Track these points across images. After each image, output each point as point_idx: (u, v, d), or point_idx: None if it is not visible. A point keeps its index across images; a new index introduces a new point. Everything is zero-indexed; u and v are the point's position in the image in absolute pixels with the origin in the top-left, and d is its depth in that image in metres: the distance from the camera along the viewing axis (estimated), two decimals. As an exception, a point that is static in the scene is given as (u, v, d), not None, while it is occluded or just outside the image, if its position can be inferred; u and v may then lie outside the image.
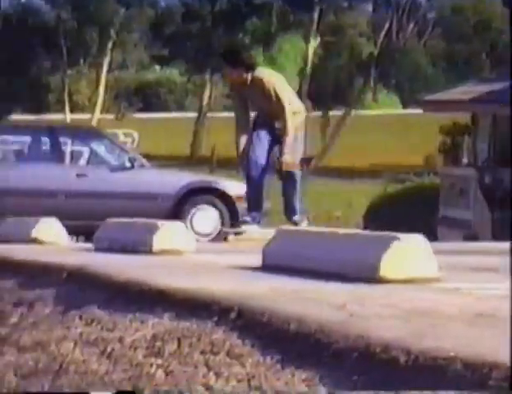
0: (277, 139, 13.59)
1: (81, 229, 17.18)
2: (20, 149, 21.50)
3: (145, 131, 47.72)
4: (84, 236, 14.74)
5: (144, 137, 43.30)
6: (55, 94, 75.77)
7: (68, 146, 21.77)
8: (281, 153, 13.53)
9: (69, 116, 67.14)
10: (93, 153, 21.70)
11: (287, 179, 13.60)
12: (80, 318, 6.51)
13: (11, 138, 21.88)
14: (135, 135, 39.30)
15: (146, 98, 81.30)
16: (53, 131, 21.58)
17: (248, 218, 13.81)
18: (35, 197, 19.61)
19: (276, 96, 13.42)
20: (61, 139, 21.44)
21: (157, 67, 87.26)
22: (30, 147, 21.55)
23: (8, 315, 7.34)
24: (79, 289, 7.35)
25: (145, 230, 10.21)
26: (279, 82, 13.90)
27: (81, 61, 77.75)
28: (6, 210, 18.06)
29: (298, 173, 13.62)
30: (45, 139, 21.62)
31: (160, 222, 10.40)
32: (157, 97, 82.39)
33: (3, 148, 21.20)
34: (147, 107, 78.12)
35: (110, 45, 73.92)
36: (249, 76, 13.66)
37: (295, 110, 13.55)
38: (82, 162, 21.60)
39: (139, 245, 9.97)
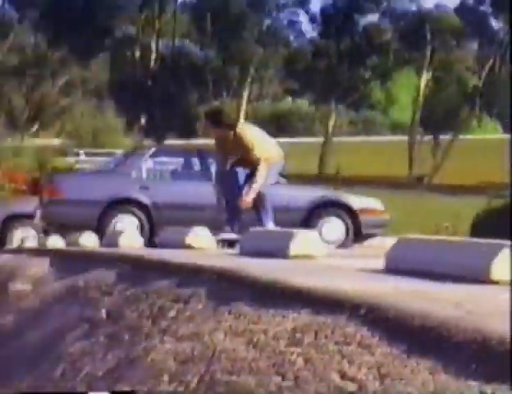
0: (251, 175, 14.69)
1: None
2: (174, 169, 21.71)
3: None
4: (228, 244, 14.85)
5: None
6: (200, 122, 76.53)
7: (214, 166, 21.94)
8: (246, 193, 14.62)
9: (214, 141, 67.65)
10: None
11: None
12: (229, 312, 6.51)
13: (167, 159, 22.12)
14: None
15: (279, 125, 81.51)
16: (202, 154, 21.77)
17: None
18: (187, 210, 19.78)
19: (253, 148, 14.32)
20: (209, 161, 21.61)
21: (289, 99, 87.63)
22: (183, 167, 21.76)
23: (167, 310, 7.39)
24: (227, 288, 7.36)
25: (283, 237, 10.20)
26: (257, 135, 15.16)
27: (224, 93, 78.35)
28: (163, 221, 18.27)
29: (265, 195, 14.79)
30: (195, 161, 21.82)
31: (295, 231, 10.40)
32: (288, 124, 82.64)
33: (161, 168, 21.43)
34: (280, 133, 78.32)
35: (249, 80, 74.68)
36: (231, 133, 14.82)
37: (267, 156, 14.50)
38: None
39: (277, 251, 9.97)
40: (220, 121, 14.73)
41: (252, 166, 14.65)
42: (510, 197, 20.94)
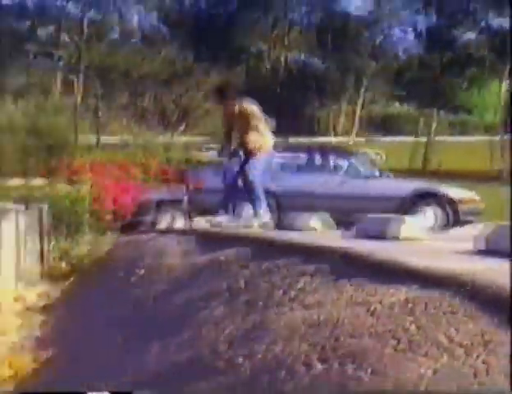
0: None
1: (342, 222, 17.20)
2: (300, 163, 21.71)
3: (389, 151, 47.58)
4: (344, 227, 14.67)
5: (389, 155, 43.22)
6: (323, 124, 76.50)
7: (333, 161, 21.86)
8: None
9: (333, 139, 67.57)
10: (351, 166, 21.70)
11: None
12: (350, 285, 6.47)
13: (293, 154, 22.13)
14: (382, 153, 39.30)
15: (389, 126, 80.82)
16: (323, 150, 21.72)
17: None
18: (310, 198, 19.75)
19: (252, 122, 13.37)
20: (329, 156, 21.53)
21: (397, 104, 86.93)
22: (307, 161, 21.73)
23: (296, 282, 7.37)
24: (346, 264, 7.31)
25: (394, 222, 10.11)
26: (257, 113, 13.90)
27: (341, 100, 78.08)
28: (290, 206, 18.26)
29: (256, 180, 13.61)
30: (317, 156, 21.77)
31: (405, 216, 10.33)
32: (396, 126, 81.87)
33: (288, 161, 21.45)
34: (389, 133, 77.64)
35: (363, 88, 74.51)
36: (237, 107, 13.56)
37: (262, 145, 13.56)
38: (342, 172, 21.65)
39: (389, 234, 9.89)
40: (225, 96, 13.61)
41: (249, 152, 13.59)
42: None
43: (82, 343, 10.70)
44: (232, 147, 13.68)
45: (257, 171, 13.49)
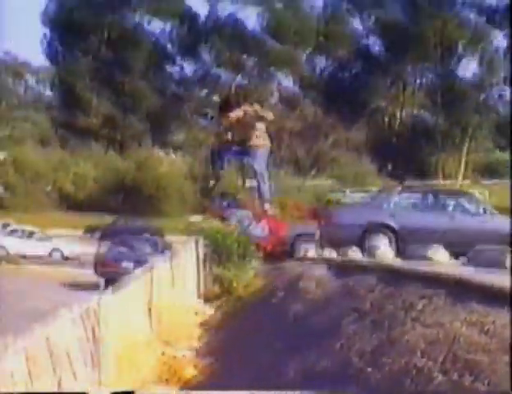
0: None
1: (454, 253, 16.79)
2: (414, 202, 21.38)
3: (491, 192, 46.41)
4: (456, 257, 14.20)
5: (491, 195, 42.17)
6: (433, 168, 75.08)
7: (443, 200, 21.49)
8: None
9: (442, 182, 66.42)
10: (459, 204, 21.27)
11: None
12: (464, 308, 6.30)
13: (409, 195, 21.82)
14: (486, 193, 38.39)
15: (491, 171, 78.94)
16: (435, 191, 21.36)
17: None
18: (425, 232, 19.37)
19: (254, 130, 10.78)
20: (440, 196, 21.15)
21: (498, 151, 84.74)
22: (421, 201, 21.41)
23: (416, 304, 7.22)
24: (460, 290, 7.13)
25: (501, 253, 9.84)
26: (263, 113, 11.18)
27: (449, 148, 76.65)
28: (407, 240, 17.92)
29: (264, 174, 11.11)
30: (430, 196, 21.43)
31: (510, 248, 10.02)
32: (498, 171, 79.89)
33: (404, 201, 21.15)
34: (491, 177, 75.85)
35: (468, 139, 73.20)
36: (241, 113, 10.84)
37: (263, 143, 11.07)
38: (451, 209, 21.21)
39: (496, 264, 9.61)
40: (230, 104, 10.90)
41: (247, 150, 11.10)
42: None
43: (237, 352, 10.77)
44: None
45: (262, 163, 11.25)
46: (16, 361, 7.00)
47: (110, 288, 10.76)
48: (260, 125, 10.61)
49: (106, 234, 36.99)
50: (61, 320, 8.61)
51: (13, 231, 34.85)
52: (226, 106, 10.70)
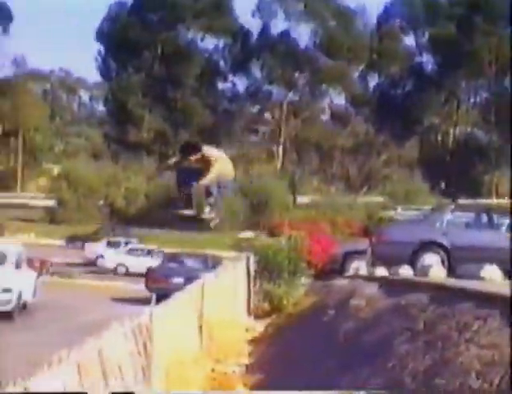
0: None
1: (507, 271, 16.53)
2: (468, 221, 21.14)
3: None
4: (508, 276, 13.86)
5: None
6: (486, 187, 74.21)
7: (497, 219, 21.20)
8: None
9: (495, 200, 65.54)
10: (512, 223, 20.96)
11: None
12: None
13: (461, 214, 21.58)
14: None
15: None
16: (488, 210, 21.07)
17: None
18: (478, 251, 19.13)
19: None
20: (493, 215, 20.87)
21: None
22: (474, 220, 21.15)
23: (470, 325, 7.12)
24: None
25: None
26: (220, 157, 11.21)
27: (502, 166, 75.70)
28: (460, 258, 17.70)
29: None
30: (483, 215, 21.17)
31: None
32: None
33: (457, 220, 20.93)
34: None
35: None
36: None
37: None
38: (504, 229, 20.90)
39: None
40: (192, 149, 11.33)
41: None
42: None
43: (287, 369, 10.73)
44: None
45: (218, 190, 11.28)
46: (69, 373, 7.06)
47: (161, 303, 10.82)
48: (221, 160, 10.63)
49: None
50: (113, 334, 8.67)
51: (132, 250, 35.62)
52: (185, 150, 10.98)
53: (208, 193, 10.57)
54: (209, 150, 10.64)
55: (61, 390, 6.72)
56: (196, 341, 13.15)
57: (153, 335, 9.97)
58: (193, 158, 10.53)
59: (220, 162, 10.67)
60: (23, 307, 17.93)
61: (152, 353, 9.89)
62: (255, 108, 74.79)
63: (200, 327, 13.49)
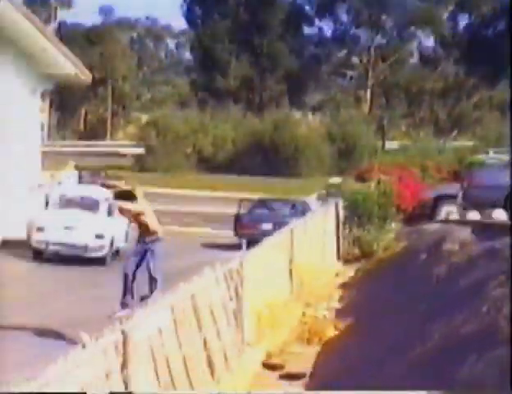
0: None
1: None
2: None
3: None
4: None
5: None
6: None
7: None
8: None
9: None
10: None
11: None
12: None
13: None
14: None
15: None
16: None
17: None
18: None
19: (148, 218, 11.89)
20: None
21: None
22: None
23: None
24: None
25: None
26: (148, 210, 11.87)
27: None
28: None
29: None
30: None
31: None
32: None
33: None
34: None
35: None
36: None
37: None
38: None
39: None
40: (126, 198, 11.87)
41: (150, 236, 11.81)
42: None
43: (378, 314, 10.73)
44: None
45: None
46: (163, 318, 7.21)
47: (251, 249, 10.91)
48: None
49: None
50: (205, 279, 8.80)
51: None
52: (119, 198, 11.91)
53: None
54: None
55: (157, 333, 6.87)
56: (286, 285, 13.24)
57: (244, 280, 10.08)
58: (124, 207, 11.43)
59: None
60: (116, 253, 18.32)
61: (243, 297, 10.02)
62: (342, 53, 73.86)
63: (290, 271, 13.58)
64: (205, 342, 8.40)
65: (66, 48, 19.88)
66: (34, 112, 20.25)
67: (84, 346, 5.33)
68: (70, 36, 63.24)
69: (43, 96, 22.02)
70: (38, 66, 19.19)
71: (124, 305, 11.18)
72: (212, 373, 8.52)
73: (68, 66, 19.40)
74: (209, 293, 8.85)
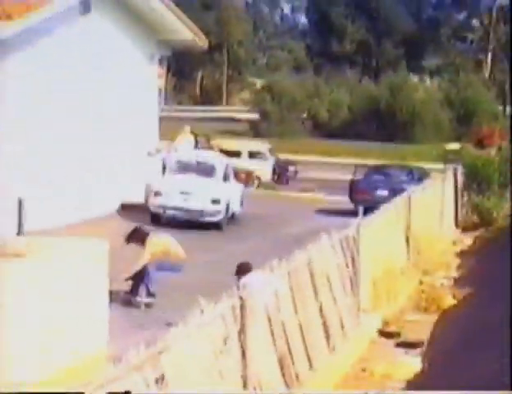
0: None
1: None
2: None
3: None
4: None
5: None
6: None
7: None
8: None
9: None
10: None
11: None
12: None
13: None
14: None
15: None
16: None
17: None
18: None
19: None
20: None
21: None
22: None
23: None
24: None
25: None
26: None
27: None
28: None
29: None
30: None
31: None
32: None
33: None
34: None
35: None
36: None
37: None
38: None
39: None
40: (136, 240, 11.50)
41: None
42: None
43: (497, 284, 10.48)
44: None
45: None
46: (280, 284, 7.23)
47: (368, 216, 10.81)
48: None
49: None
50: (321, 246, 8.78)
51: None
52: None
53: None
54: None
55: (275, 302, 6.90)
56: (403, 253, 13.09)
57: (360, 247, 10.01)
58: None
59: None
60: (231, 217, 18.50)
61: (359, 265, 9.96)
62: (462, 15, 71.98)
63: (407, 239, 13.41)
64: (321, 309, 8.41)
65: (183, 13, 20.04)
66: (152, 77, 20.56)
67: (202, 311, 5.41)
68: (186, 2, 63.85)
69: (160, 62, 22.36)
70: (156, 32, 19.43)
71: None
72: (327, 339, 8.52)
73: (185, 31, 19.56)
74: (326, 260, 8.84)
